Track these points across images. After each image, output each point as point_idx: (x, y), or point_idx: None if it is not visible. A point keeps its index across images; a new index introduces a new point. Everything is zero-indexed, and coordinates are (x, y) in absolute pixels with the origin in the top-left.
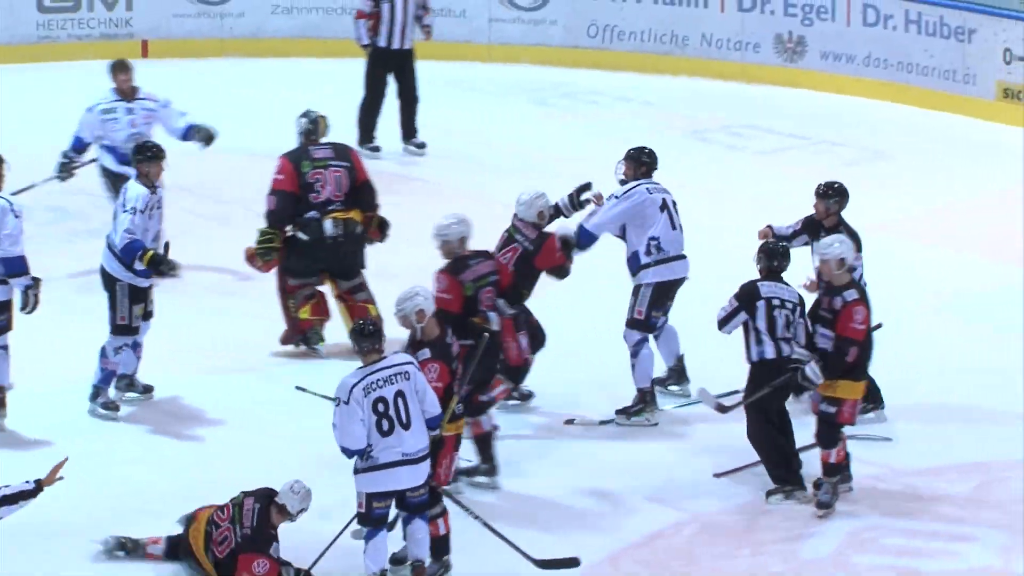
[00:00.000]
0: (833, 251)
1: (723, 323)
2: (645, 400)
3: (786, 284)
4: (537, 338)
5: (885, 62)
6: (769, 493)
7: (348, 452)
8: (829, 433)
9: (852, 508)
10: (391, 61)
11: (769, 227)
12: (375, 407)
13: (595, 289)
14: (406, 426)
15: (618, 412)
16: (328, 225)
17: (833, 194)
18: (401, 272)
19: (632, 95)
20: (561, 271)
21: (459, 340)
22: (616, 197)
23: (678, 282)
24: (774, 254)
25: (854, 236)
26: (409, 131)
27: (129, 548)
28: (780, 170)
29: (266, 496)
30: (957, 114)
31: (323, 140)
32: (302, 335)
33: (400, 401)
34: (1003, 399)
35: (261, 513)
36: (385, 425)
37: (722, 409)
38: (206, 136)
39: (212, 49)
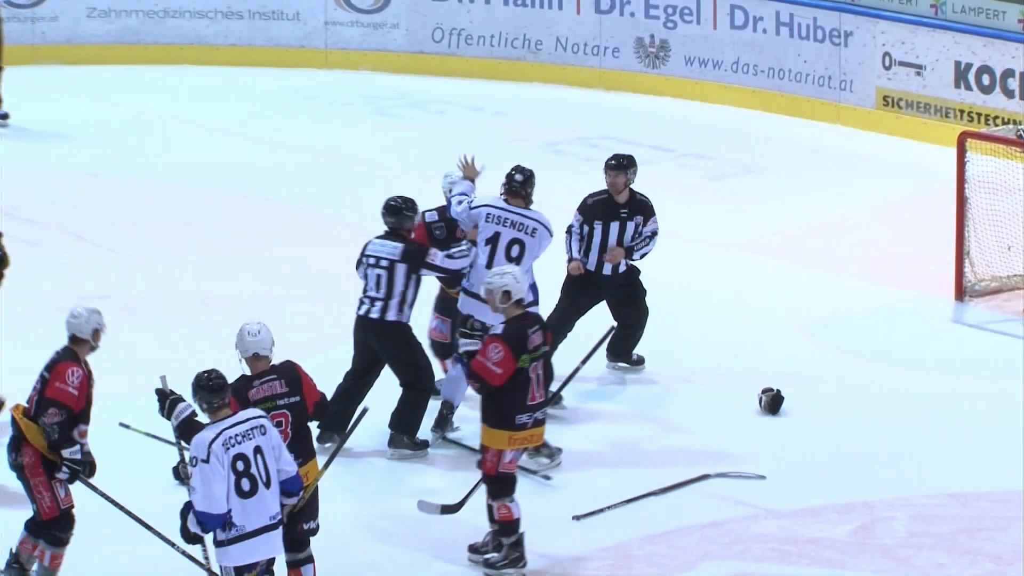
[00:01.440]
0: (497, 282)
1: None
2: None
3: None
4: None
5: (755, 68)
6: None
7: (209, 521)
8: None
9: (723, 551)
10: None
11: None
12: (234, 465)
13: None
14: (268, 485)
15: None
16: None
17: (629, 164)
18: (233, 299)
19: (481, 105)
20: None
21: None
22: (465, 195)
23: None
24: None
25: (648, 207)
26: None
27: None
28: (641, 186)
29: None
30: (833, 124)
31: None
32: None
33: (259, 458)
34: (883, 432)
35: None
36: (246, 485)
37: (448, 510)
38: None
39: (24, 56)
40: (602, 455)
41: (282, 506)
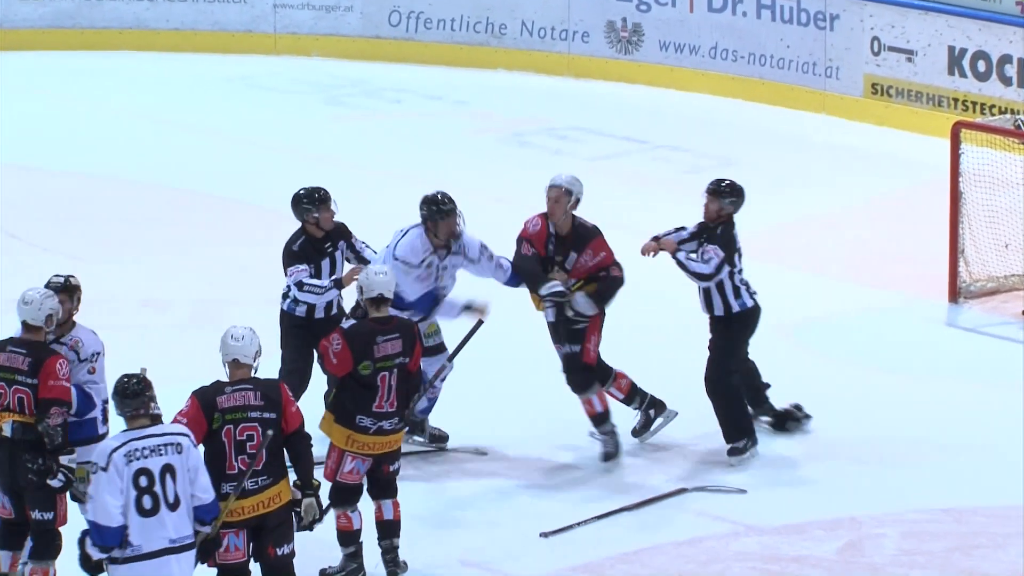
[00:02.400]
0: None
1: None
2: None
3: None
4: None
5: (734, 54)
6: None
7: (100, 535)
8: None
9: (701, 570)
10: None
11: (656, 238)
12: (136, 480)
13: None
14: (172, 507)
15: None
16: None
17: (728, 193)
18: (176, 301)
19: (442, 93)
20: None
21: None
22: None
23: None
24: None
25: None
26: None
27: None
28: (613, 179)
29: None
30: (818, 113)
31: None
32: None
33: (169, 477)
34: (872, 443)
35: None
36: (147, 503)
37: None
38: None
39: None
40: (572, 468)
41: (196, 532)
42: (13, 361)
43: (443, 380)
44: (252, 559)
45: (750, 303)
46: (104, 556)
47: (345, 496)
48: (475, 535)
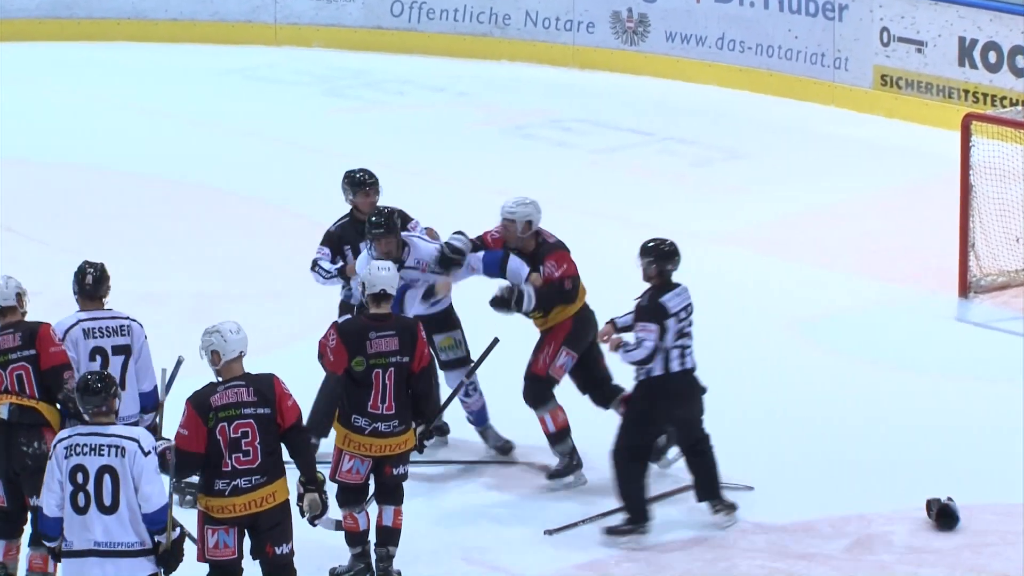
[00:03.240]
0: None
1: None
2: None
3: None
4: None
5: (742, 44)
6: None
7: (41, 521)
8: None
9: (708, 568)
10: None
11: (612, 321)
12: (72, 475)
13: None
14: (108, 510)
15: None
16: None
17: (647, 252)
18: (172, 295)
19: (444, 84)
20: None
21: None
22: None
23: None
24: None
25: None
26: None
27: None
28: (618, 172)
29: None
30: (827, 105)
31: None
32: None
33: (108, 480)
34: (881, 440)
35: None
36: (81, 500)
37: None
38: None
39: None
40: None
41: (157, 543)
42: (3, 343)
43: (468, 394)
44: (251, 557)
45: (675, 367)
46: (51, 545)
47: (348, 496)
48: (479, 533)
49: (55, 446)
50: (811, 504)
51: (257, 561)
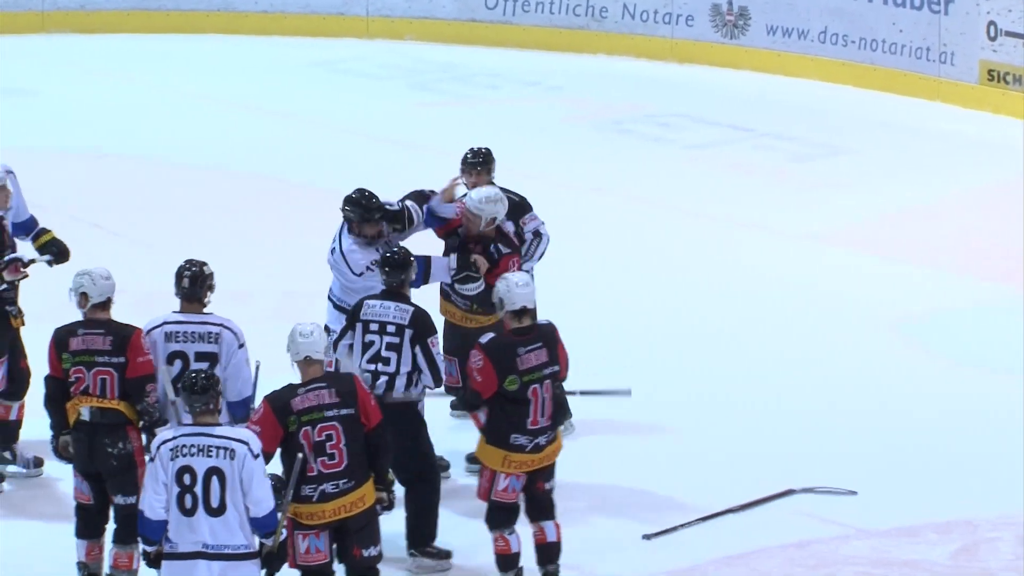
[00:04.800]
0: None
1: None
2: None
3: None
4: None
5: (845, 38)
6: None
7: (143, 524)
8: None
9: (809, 574)
10: None
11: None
12: (179, 477)
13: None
14: (216, 512)
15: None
16: None
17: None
18: (256, 293)
19: (538, 79)
20: None
21: None
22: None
23: None
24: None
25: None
26: None
27: None
28: (715, 168)
29: None
30: (932, 101)
31: None
32: None
33: (216, 481)
34: (985, 444)
35: None
36: (188, 502)
37: None
38: (60, 251)
39: (32, 24)
40: (674, 468)
41: (262, 545)
42: (91, 343)
43: None
44: (336, 559)
45: None
46: (150, 549)
47: (503, 516)
48: (573, 536)
49: (158, 447)
50: (915, 509)
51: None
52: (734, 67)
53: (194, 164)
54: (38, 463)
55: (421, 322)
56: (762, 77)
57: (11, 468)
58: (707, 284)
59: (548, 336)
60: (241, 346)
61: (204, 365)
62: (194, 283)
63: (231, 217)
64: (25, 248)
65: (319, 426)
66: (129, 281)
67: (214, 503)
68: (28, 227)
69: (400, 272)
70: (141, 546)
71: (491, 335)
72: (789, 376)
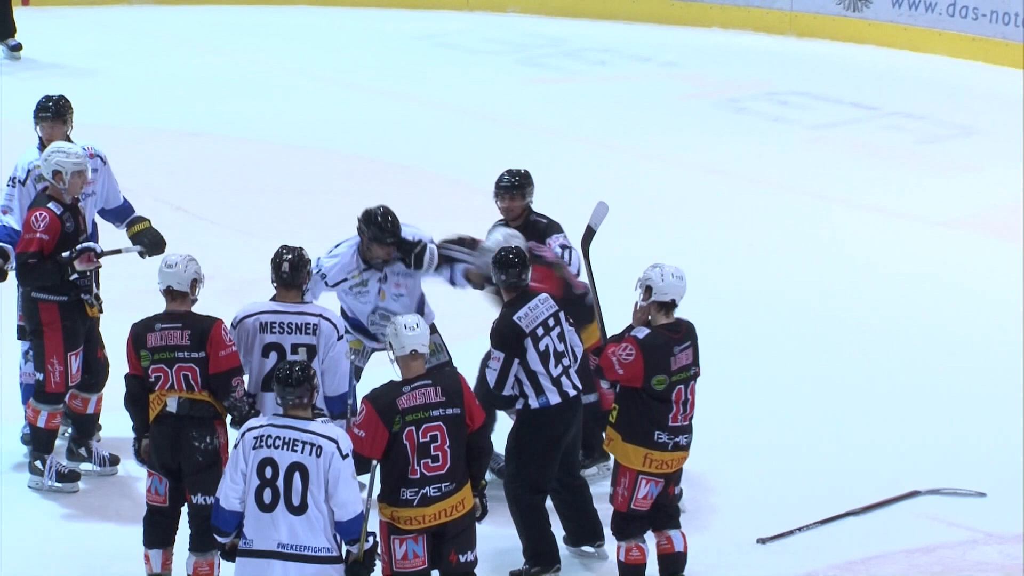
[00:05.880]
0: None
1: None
2: None
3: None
4: None
5: (975, 11)
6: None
7: (217, 514)
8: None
9: None
10: None
11: None
12: (260, 469)
13: None
14: (297, 510)
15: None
16: None
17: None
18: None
19: (649, 54)
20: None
21: None
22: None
23: None
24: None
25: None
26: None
27: None
28: (839, 150)
29: None
30: None
31: None
32: None
33: (298, 477)
34: None
35: None
36: (267, 496)
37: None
38: (153, 241)
39: None
40: (790, 468)
41: (348, 552)
42: (170, 338)
43: None
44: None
45: (554, 399)
46: (223, 541)
47: (633, 525)
48: (688, 540)
49: (243, 434)
50: None
51: (436, 570)
52: (857, 42)
53: (287, 142)
54: (113, 461)
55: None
56: (888, 52)
57: (85, 466)
58: (829, 273)
59: (694, 335)
60: (340, 338)
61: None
62: (294, 269)
63: (327, 199)
64: (118, 237)
65: (424, 426)
66: (217, 268)
67: (295, 500)
68: (122, 214)
69: (524, 270)
70: (216, 538)
71: (646, 330)
72: (916, 370)
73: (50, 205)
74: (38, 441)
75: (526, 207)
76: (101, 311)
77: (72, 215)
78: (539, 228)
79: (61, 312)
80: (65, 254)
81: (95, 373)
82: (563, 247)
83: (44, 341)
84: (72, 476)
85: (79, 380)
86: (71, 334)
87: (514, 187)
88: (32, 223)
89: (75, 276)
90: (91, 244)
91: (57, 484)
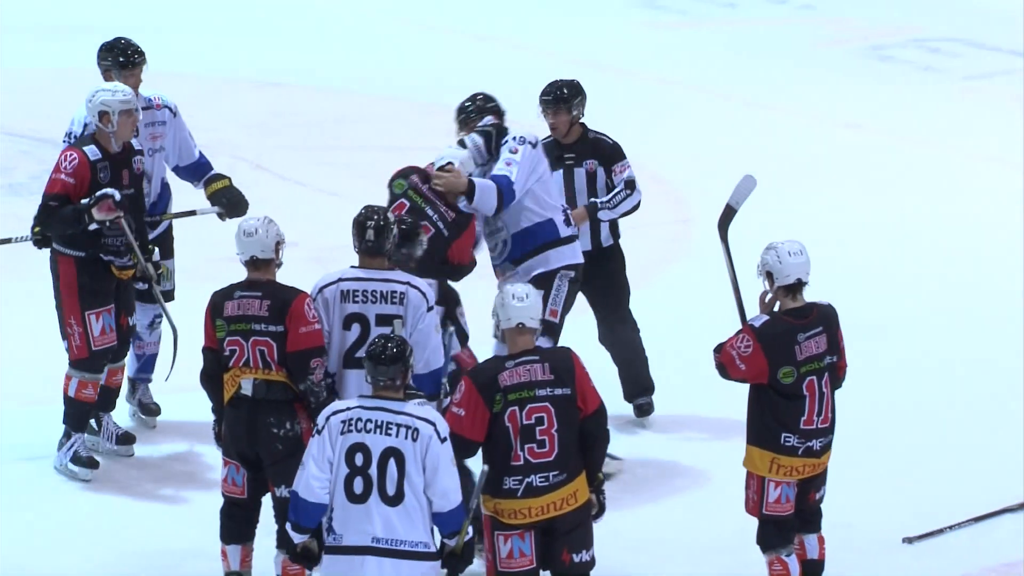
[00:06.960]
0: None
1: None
2: None
3: None
4: None
5: None
6: None
7: (297, 509)
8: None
9: None
10: None
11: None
12: (350, 455)
13: None
14: (392, 501)
15: None
16: None
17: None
18: None
19: None
20: (466, 269)
21: None
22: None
23: None
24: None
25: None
26: None
27: None
28: (994, 103)
29: None
30: None
31: None
32: None
33: (393, 464)
34: None
35: None
36: (358, 486)
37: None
38: (233, 201)
39: None
40: (939, 461)
41: (443, 545)
42: (248, 307)
43: None
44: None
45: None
46: (302, 539)
47: (778, 534)
48: (827, 538)
49: (328, 418)
50: None
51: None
52: None
53: (379, 95)
54: (127, 439)
55: None
56: None
57: (89, 438)
58: (985, 242)
59: (829, 319)
60: (430, 309)
61: (386, 330)
62: (380, 235)
63: (417, 156)
64: (196, 198)
65: (528, 407)
66: (302, 233)
67: (390, 490)
68: (197, 171)
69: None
70: (293, 535)
71: (764, 317)
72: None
73: (86, 148)
74: (68, 415)
75: (574, 121)
76: (160, 281)
77: (114, 167)
78: (604, 150)
79: (78, 267)
80: (85, 201)
81: (117, 340)
82: (627, 183)
83: (62, 302)
84: (127, 438)
85: (114, 341)
86: (89, 292)
87: (560, 99)
88: (60, 163)
89: (94, 226)
90: (110, 191)
91: (110, 446)
